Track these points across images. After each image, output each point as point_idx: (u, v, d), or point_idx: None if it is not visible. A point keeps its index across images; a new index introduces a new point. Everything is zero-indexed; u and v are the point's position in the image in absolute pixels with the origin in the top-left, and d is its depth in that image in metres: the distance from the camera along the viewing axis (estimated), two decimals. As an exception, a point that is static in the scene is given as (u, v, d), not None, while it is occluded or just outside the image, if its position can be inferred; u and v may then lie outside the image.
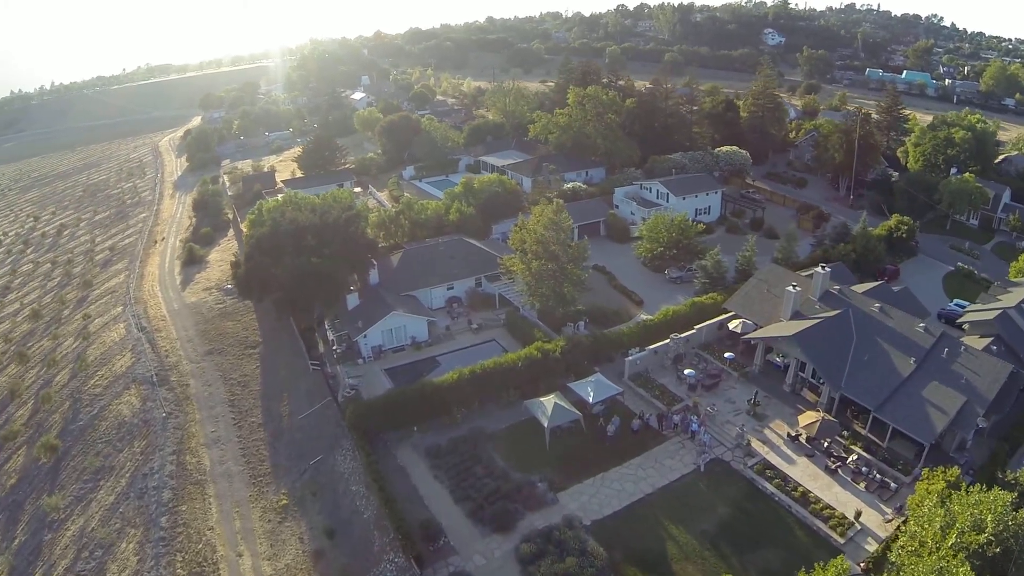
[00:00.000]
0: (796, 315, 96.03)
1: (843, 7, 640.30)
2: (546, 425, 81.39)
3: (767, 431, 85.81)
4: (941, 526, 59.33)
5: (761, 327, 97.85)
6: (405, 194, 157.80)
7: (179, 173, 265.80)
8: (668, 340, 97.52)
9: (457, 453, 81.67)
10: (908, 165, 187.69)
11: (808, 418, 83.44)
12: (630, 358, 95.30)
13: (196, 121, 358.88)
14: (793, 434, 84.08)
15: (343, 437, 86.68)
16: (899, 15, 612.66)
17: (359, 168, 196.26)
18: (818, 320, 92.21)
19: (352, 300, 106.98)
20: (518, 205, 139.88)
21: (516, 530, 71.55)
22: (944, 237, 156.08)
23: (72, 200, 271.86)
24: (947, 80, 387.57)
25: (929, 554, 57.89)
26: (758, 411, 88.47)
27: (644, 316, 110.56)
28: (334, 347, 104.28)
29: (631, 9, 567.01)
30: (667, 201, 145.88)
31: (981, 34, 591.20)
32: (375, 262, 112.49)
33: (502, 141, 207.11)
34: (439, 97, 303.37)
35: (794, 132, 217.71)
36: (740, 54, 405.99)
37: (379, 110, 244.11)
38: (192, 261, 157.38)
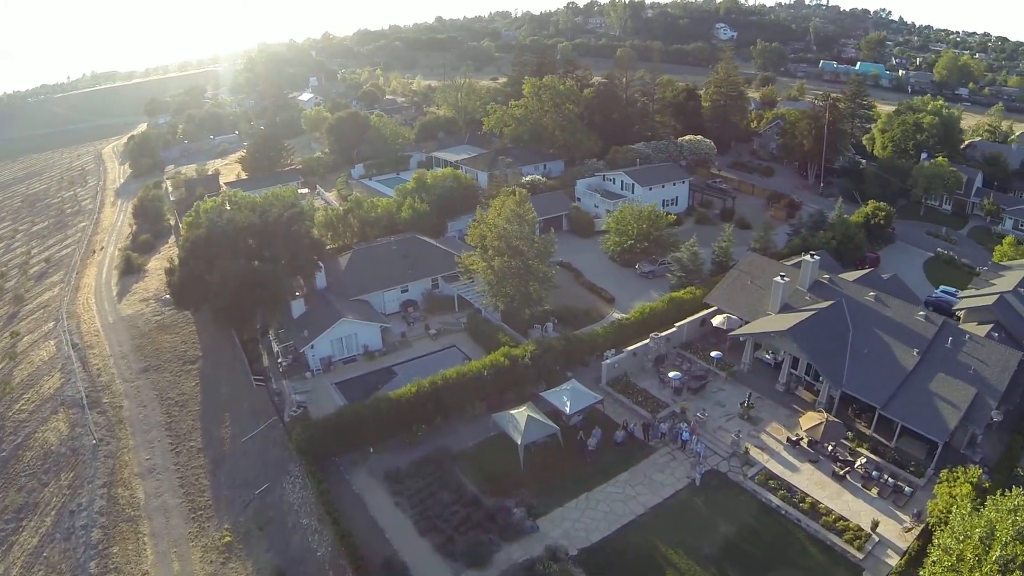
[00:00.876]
0: (785, 307, 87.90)
1: (792, 3, 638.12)
2: (519, 442, 71.31)
3: (764, 436, 77.05)
4: (980, 537, 50.33)
5: (747, 322, 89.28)
6: (354, 193, 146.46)
7: (122, 180, 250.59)
8: (648, 340, 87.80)
9: (420, 476, 71.57)
10: (875, 152, 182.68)
11: (810, 420, 74.62)
12: (607, 361, 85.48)
13: (142, 128, 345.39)
14: (794, 438, 75.37)
15: (291, 462, 76.12)
16: (848, 10, 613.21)
17: (306, 168, 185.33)
18: (811, 312, 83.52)
19: (297, 307, 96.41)
20: (474, 201, 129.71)
21: (492, 564, 61.97)
22: (919, 223, 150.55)
23: (9, 211, 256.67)
24: (900, 71, 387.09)
25: (970, 571, 49.32)
26: (752, 414, 79.50)
27: (617, 315, 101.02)
28: (279, 360, 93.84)
29: (581, 6, 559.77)
30: (632, 192, 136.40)
31: (929, 27, 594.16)
32: (322, 264, 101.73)
33: (455, 137, 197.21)
34: (388, 96, 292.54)
35: (755, 122, 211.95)
36: (694, 48, 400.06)
37: (327, 109, 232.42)
38: (129, 270, 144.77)
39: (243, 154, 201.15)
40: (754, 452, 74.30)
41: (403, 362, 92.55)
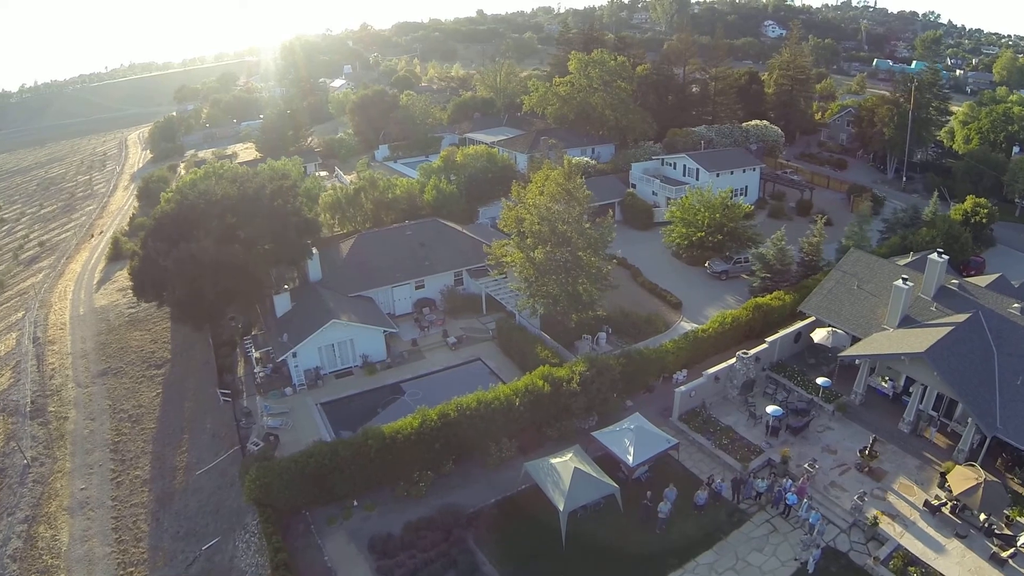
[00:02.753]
0: (906, 320, 64.31)
1: (839, 3, 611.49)
2: (561, 507, 48.14)
3: (891, 497, 53.31)
4: None
5: (857, 338, 66.26)
6: (369, 171, 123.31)
7: (140, 165, 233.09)
8: (734, 360, 64.47)
9: (419, 548, 48.68)
10: (955, 147, 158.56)
11: (962, 479, 50.85)
12: (682, 388, 62.06)
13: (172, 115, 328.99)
14: (934, 502, 51.60)
15: (250, 511, 54.06)
16: (896, 12, 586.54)
17: (326, 150, 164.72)
18: (947, 328, 59.71)
19: (282, 303, 74.36)
20: (511, 184, 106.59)
21: None
22: (1015, 224, 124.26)
23: (23, 194, 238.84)
24: (957, 71, 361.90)
25: None
26: (873, 465, 55.92)
27: (687, 324, 77.97)
28: (256, 370, 71.87)
29: (626, 1, 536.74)
30: (696, 179, 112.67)
31: (980, 31, 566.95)
32: (315, 251, 79.42)
33: (492, 118, 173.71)
34: (423, 84, 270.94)
35: (818, 114, 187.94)
36: (743, 43, 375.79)
37: (354, 92, 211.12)
38: (118, 256, 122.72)
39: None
40: (885, 523, 50.65)
41: (411, 378, 70.09)
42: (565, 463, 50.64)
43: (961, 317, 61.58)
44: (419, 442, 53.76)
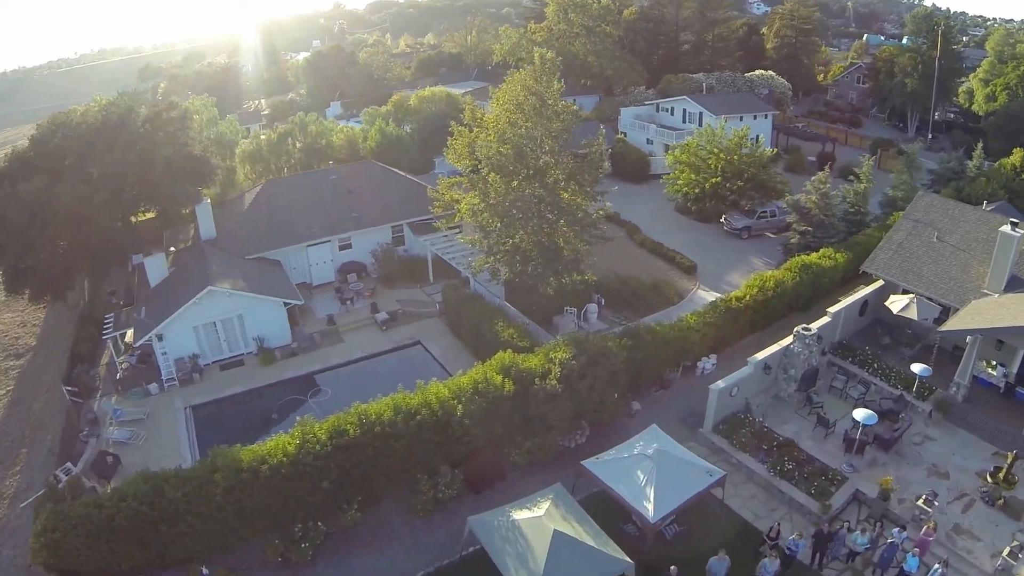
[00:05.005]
0: (1014, 282, 43.83)
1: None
2: (533, 599, 26.39)
3: (1033, 541, 31.93)
4: None
5: (949, 307, 45.89)
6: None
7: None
8: (790, 339, 42.70)
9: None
10: (974, 107, 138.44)
11: None
12: (720, 384, 39.48)
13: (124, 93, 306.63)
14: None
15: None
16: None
17: (273, 112, 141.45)
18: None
19: (156, 269, 51.73)
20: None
21: None
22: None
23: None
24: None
25: None
26: (1009, 495, 34.77)
27: (706, 293, 56.20)
28: (119, 360, 50.01)
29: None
30: (699, 125, 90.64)
31: (964, 13, 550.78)
32: (207, 199, 57.52)
33: (460, 73, 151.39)
34: (394, 53, 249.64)
35: (820, 76, 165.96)
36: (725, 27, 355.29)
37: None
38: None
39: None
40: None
41: (321, 370, 47.95)
42: (537, 521, 28.70)
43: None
44: (298, 476, 31.81)
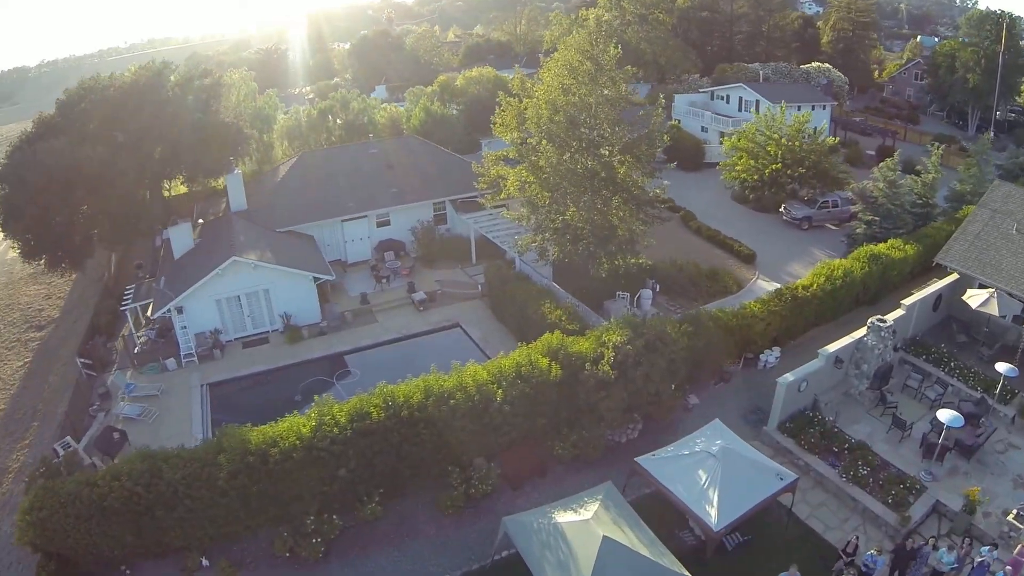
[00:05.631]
0: None
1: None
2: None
3: None
4: None
5: None
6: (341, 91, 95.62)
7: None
8: (864, 330, 38.24)
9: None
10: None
11: None
12: (789, 378, 34.82)
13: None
14: None
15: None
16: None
17: (318, 95, 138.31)
18: None
19: (181, 240, 48.52)
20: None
21: None
22: None
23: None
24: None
25: None
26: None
27: (766, 283, 51.73)
28: (138, 334, 46.57)
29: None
30: (755, 113, 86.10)
31: (1020, 17, 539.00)
32: (238, 169, 54.20)
33: (509, 60, 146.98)
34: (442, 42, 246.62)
35: (875, 73, 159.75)
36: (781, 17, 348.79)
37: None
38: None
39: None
40: None
41: (350, 351, 44.19)
42: (584, 525, 24.47)
43: None
44: (312, 462, 28.03)
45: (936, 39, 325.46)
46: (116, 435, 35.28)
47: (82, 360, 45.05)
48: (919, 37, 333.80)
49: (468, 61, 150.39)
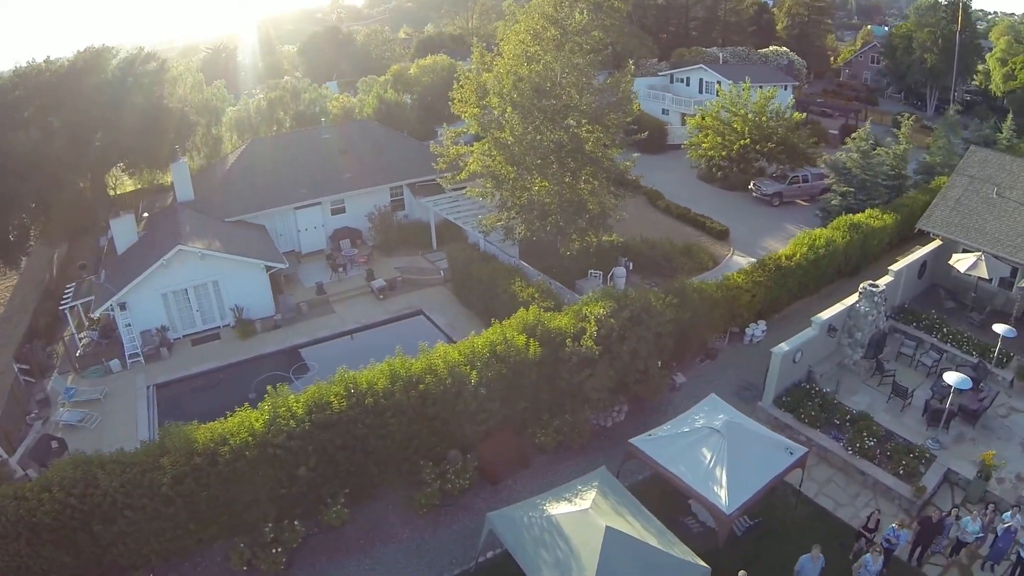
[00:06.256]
0: None
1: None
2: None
3: None
4: None
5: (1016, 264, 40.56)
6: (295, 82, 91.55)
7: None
8: (857, 295, 35.52)
9: None
10: (992, 87, 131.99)
11: None
12: (784, 347, 32.10)
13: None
14: None
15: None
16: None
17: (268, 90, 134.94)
18: None
19: (124, 232, 44.63)
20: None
21: None
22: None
23: None
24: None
25: None
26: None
27: (742, 258, 49.15)
28: (80, 335, 42.97)
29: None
30: (715, 95, 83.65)
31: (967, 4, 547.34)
32: (183, 158, 50.63)
33: (463, 52, 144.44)
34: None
35: (832, 59, 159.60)
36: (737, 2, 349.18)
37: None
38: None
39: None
40: None
41: (307, 343, 40.79)
42: (582, 516, 21.37)
43: None
44: (267, 461, 24.73)
45: (885, 28, 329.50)
46: (55, 444, 31.90)
47: (19, 365, 41.30)
48: (869, 26, 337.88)
49: (421, 54, 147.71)
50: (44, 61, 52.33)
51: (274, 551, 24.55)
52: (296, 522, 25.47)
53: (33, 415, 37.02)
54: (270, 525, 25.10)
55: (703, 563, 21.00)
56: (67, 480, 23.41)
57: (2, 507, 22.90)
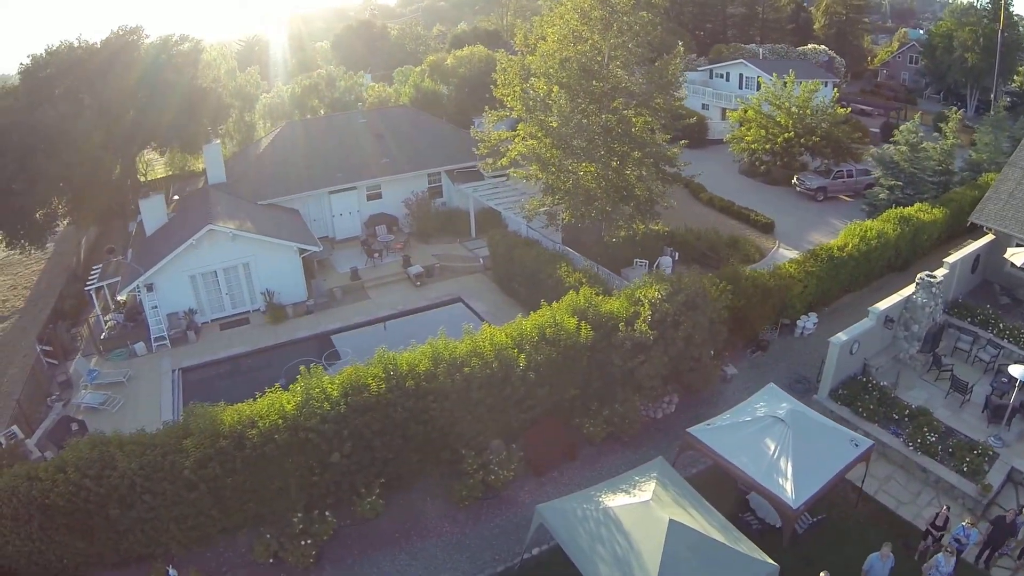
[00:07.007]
0: None
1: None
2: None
3: None
4: None
5: None
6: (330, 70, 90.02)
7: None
8: (914, 287, 33.39)
9: None
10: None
11: None
12: (842, 337, 30.09)
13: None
14: None
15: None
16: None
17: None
18: None
19: (153, 214, 43.43)
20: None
21: None
22: None
23: None
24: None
25: None
26: None
27: (788, 251, 47.20)
28: (106, 318, 41.65)
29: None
30: (757, 90, 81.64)
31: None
32: (216, 140, 49.33)
33: (498, 46, 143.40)
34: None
35: (868, 60, 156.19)
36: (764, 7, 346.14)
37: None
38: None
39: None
40: None
41: (339, 329, 39.28)
42: (642, 508, 19.56)
43: None
44: (299, 446, 23.13)
45: (920, 31, 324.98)
46: (75, 426, 30.48)
47: (42, 347, 40.02)
48: (903, 30, 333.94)
49: (456, 47, 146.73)
50: (76, 39, 51.34)
51: (303, 543, 22.88)
52: (327, 513, 23.79)
53: (54, 397, 35.90)
54: (299, 515, 23.46)
55: (771, 560, 19.09)
56: (83, 461, 21.98)
57: (14, 487, 21.55)
